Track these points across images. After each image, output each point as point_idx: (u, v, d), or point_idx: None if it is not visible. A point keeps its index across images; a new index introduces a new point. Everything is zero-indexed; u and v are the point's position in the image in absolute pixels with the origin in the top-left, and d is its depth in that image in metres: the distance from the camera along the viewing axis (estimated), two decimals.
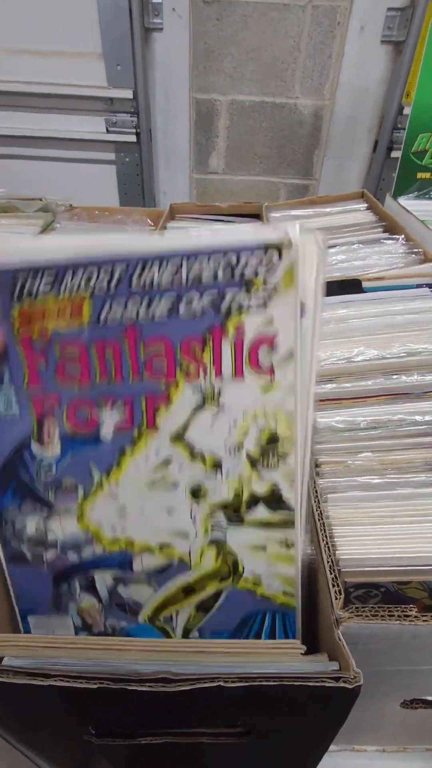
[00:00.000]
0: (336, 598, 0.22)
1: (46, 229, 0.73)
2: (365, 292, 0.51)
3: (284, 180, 1.33)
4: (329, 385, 0.37)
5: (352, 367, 0.39)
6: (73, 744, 0.28)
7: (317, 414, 0.35)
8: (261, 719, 0.23)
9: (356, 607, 0.22)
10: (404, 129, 1.16)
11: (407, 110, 1.14)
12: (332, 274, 0.55)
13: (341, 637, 0.21)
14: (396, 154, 1.19)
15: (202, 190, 1.36)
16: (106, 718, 0.25)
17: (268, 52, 1.13)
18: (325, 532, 0.25)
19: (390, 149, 1.18)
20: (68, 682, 0.20)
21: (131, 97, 1.13)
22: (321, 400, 0.37)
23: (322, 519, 0.26)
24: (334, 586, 0.23)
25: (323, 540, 0.25)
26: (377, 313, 0.46)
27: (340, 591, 0.23)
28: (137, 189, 1.29)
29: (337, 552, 0.25)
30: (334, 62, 1.13)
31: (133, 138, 1.19)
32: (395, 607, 0.21)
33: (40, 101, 1.15)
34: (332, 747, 0.39)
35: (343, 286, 0.51)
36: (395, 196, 0.79)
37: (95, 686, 0.20)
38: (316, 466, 0.31)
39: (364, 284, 0.51)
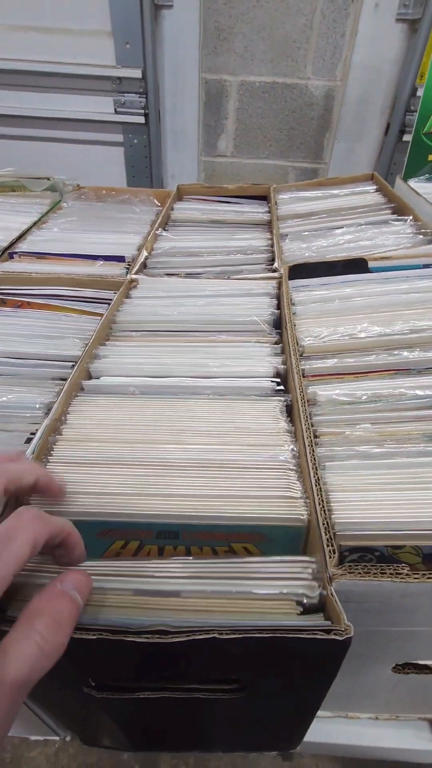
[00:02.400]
0: (330, 557, 0.23)
1: (53, 207, 0.73)
2: (371, 272, 0.50)
3: (293, 163, 1.31)
4: (332, 360, 0.38)
5: (355, 342, 0.39)
6: (75, 696, 0.29)
7: (318, 387, 0.35)
8: (254, 673, 0.24)
9: (349, 565, 0.22)
10: (417, 111, 1.14)
11: (421, 92, 1.11)
12: (338, 254, 0.55)
13: (333, 593, 0.22)
14: (409, 137, 1.16)
15: (210, 173, 1.35)
16: (105, 670, 0.26)
17: (279, 31, 1.11)
18: (321, 497, 0.26)
19: (402, 132, 1.16)
20: None
21: (140, 76, 1.11)
22: (322, 375, 0.37)
23: (319, 485, 0.26)
24: (328, 546, 0.23)
25: (319, 504, 0.25)
26: (382, 291, 0.46)
27: (333, 550, 0.23)
28: (145, 171, 1.28)
29: (333, 516, 0.25)
30: (347, 41, 1.10)
31: (141, 119, 1.18)
32: (387, 566, 0.22)
33: (47, 80, 1.14)
34: (326, 713, 0.40)
35: (348, 266, 0.51)
36: (405, 178, 0.77)
37: (94, 637, 0.21)
38: (315, 436, 0.31)
39: (371, 264, 0.51)
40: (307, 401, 0.34)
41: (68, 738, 0.39)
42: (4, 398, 0.37)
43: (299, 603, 0.23)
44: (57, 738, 0.39)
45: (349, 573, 0.22)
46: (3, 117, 1.20)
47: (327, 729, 0.39)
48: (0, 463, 0.22)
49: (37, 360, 0.43)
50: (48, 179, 0.78)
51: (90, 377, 0.41)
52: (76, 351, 0.43)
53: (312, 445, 0.29)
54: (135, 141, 1.23)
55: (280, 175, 1.33)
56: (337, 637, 0.20)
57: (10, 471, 0.22)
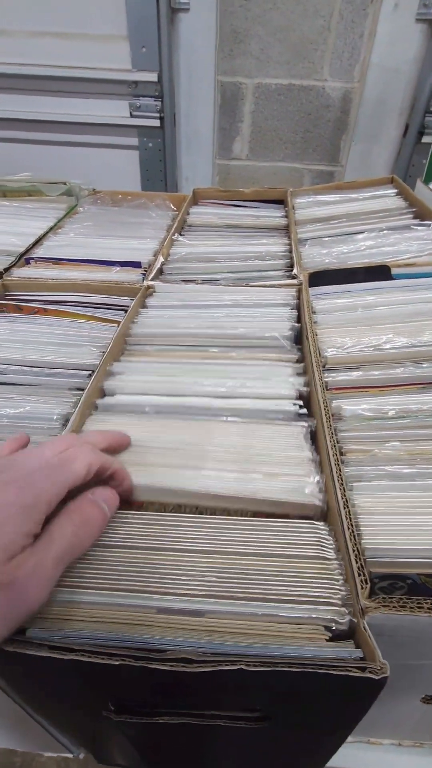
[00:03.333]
0: (362, 588, 0.22)
1: (69, 212, 0.73)
2: (394, 279, 0.49)
3: (309, 166, 1.30)
4: (356, 373, 0.36)
5: (380, 354, 0.38)
6: (91, 718, 0.28)
7: (343, 401, 0.34)
8: (281, 705, 0.23)
9: (383, 598, 0.21)
10: None
11: None
12: (359, 260, 0.53)
13: (367, 627, 0.20)
14: (428, 139, 1.14)
15: (224, 176, 1.34)
16: (125, 695, 0.25)
17: (296, 33, 1.10)
18: (350, 520, 0.25)
19: (421, 134, 1.14)
20: (90, 657, 0.20)
21: (156, 80, 1.11)
22: (347, 388, 0.36)
23: (347, 507, 0.25)
24: (359, 575, 0.22)
25: (348, 528, 0.24)
26: (407, 300, 0.44)
27: (366, 580, 0.22)
28: (159, 175, 1.28)
29: (363, 541, 0.24)
30: (366, 42, 1.08)
31: (156, 122, 1.17)
32: (425, 599, 0.21)
33: (63, 85, 1.14)
34: (347, 738, 0.38)
35: (371, 273, 0.49)
36: (427, 182, 0.76)
37: (117, 663, 0.20)
38: (341, 453, 0.30)
39: (394, 271, 0.49)
40: (332, 416, 0.32)
41: (81, 755, 0.39)
42: (21, 409, 0.36)
43: (327, 628, 0.22)
44: (71, 755, 0.38)
45: (384, 606, 0.21)
46: (20, 122, 1.21)
47: (347, 754, 0.38)
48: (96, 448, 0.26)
49: (53, 369, 0.42)
50: (64, 184, 0.78)
51: (104, 395, 0.40)
52: (92, 360, 0.43)
53: (339, 464, 0.28)
54: (150, 144, 1.23)
55: (296, 177, 1.32)
56: (373, 676, 0.19)
57: (103, 458, 0.25)
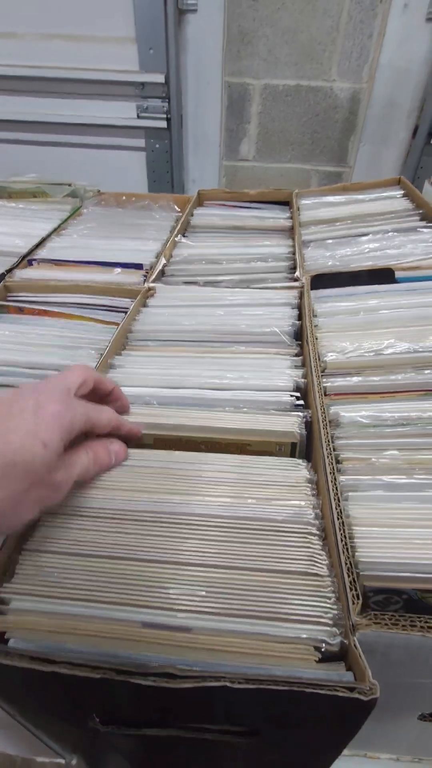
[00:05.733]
0: (353, 603, 0.21)
1: (73, 213, 0.73)
2: (398, 282, 0.48)
3: (316, 167, 1.29)
4: (355, 378, 0.35)
5: (380, 359, 0.37)
6: (80, 729, 0.28)
7: (341, 407, 0.33)
8: (268, 723, 0.22)
9: (375, 614, 0.20)
10: None
11: None
12: (363, 263, 0.52)
13: (357, 644, 0.20)
14: None
15: (231, 178, 1.34)
16: (109, 708, 0.24)
17: (304, 34, 1.09)
18: (343, 531, 0.24)
19: (430, 135, 1.12)
20: (71, 669, 0.20)
21: (163, 81, 1.11)
22: (345, 393, 0.35)
23: (341, 518, 0.24)
24: (351, 589, 0.21)
25: (341, 540, 0.23)
26: (410, 304, 0.43)
27: (357, 595, 0.21)
28: (166, 176, 1.27)
29: (357, 554, 0.23)
30: (375, 42, 1.07)
31: (163, 124, 1.17)
32: (418, 617, 0.20)
33: (71, 86, 1.15)
34: (344, 751, 0.38)
35: (374, 276, 0.48)
36: None
37: (98, 676, 0.20)
38: (337, 462, 0.29)
39: (398, 274, 0.48)
40: (329, 422, 0.32)
41: (74, 761, 0.38)
42: None
43: (317, 649, 0.21)
44: (62, 761, 0.38)
45: (375, 623, 0.20)
46: (27, 123, 1.22)
47: (343, 767, 0.37)
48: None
49: (53, 371, 0.42)
50: (69, 185, 0.78)
51: None
52: (90, 362, 0.42)
53: (334, 473, 0.27)
54: (157, 146, 1.23)
55: (303, 179, 1.31)
56: (361, 697, 0.18)
57: (98, 375, 0.31)
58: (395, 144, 1.20)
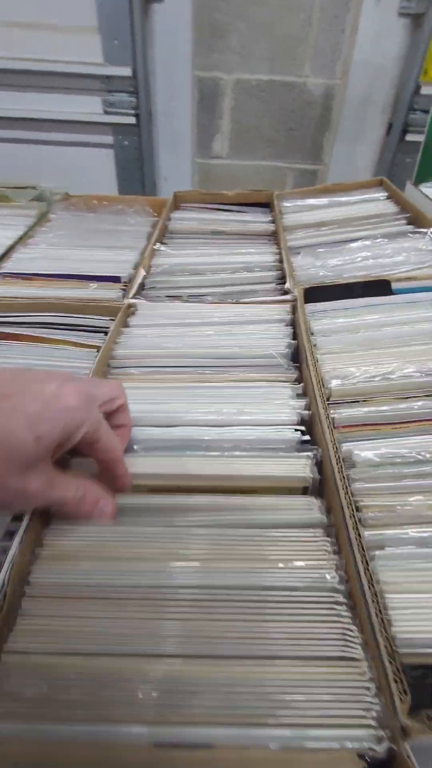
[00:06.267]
0: (400, 700, 0.18)
1: (40, 219, 0.67)
2: (394, 293, 0.46)
3: (292, 165, 1.26)
4: (364, 408, 0.33)
5: (389, 385, 0.34)
6: None
7: (354, 444, 0.30)
8: None
9: (429, 715, 0.17)
10: (421, 110, 1.10)
11: (425, 89, 1.07)
12: (356, 272, 0.50)
13: (410, 755, 0.17)
14: (412, 137, 1.12)
15: (204, 176, 1.29)
16: None
17: (277, 28, 1.05)
18: (378, 604, 0.21)
19: (405, 132, 1.11)
20: None
21: (130, 74, 1.05)
22: (355, 425, 0.32)
23: (373, 586, 0.22)
24: (396, 680, 0.19)
25: (376, 614, 0.21)
26: (411, 319, 0.41)
27: (405, 690, 0.18)
28: (136, 175, 1.22)
29: (393, 629, 0.20)
30: (348, 37, 1.05)
31: (132, 120, 1.12)
32: None
33: (30, 79, 1.07)
34: None
35: (369, 287, 0.46)
36: (416, 183, 0.73)
37: None
38: (357, 510, 0.26)
39: (393, 285, 0.46)
40: (342, 461, 0.29)
41: None
42: None
43: (362, 757, 0.18)
44: None
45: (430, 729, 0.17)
46: None
47: None
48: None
49: None
50: (34, 188, 0.73)
51: None
52: None
53: (357, 527, 0.24)
54: (125, 143, 1.17)
55: (278, 177, 1.28)
56: None
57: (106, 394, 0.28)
58: (370, 141, 1.19)
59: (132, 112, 1.11)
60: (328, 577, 0.23)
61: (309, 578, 0.23)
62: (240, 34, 1.05)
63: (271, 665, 0.20)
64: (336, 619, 0.21)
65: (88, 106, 1.12)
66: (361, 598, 0.22)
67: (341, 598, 0.22)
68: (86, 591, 0.23)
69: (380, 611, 0.21)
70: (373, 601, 0.21)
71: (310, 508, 0.27)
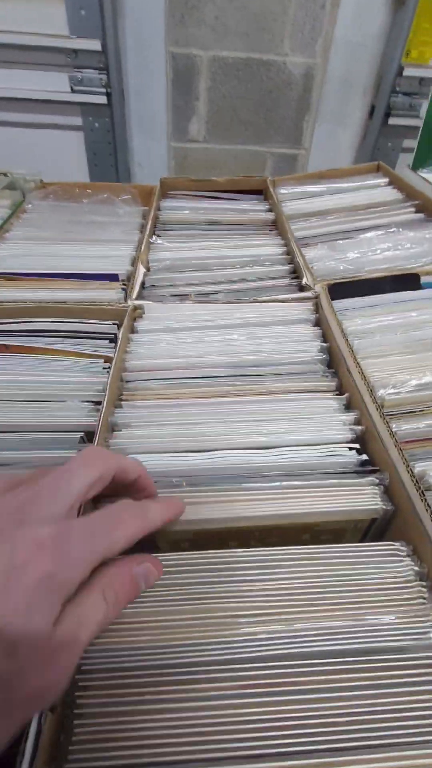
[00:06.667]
0: None
1: (16, 210, 0.60)
2: (423, 288, 0.43)
3: (271, 149, 1.22)
4: (424, 422, 0.30)
5: None
6: None
7: (424, 464, 0.27)
8: None
9: None
10: (403, 93, 1.08)
11: (408, 71, 1.04)
12: (377, 266, 0.47)
13: None
14: (394, 120, 1.10)
15: (181, 161, 1.22)
16: None
17: (254, 1, 0.99)
18: None
19: (388, 115, 1.09)
20: None
21: (99, 49, 0.97)
22: (418, 440, 0.29)
23: None
24: None
25: None
26: None
27: None
28: (109, 159, 1.14)
29: None
30: (329, 14, 1.00)
31: (102, 99, 1.03)
32: None
33: None
34: None
35: (397, 282, 0.43)
36: (415, 168, 0.71)
37: None
38: None
39: (423, 279, 0.43)
40: (421, 486, 0.26)
41: None
42: None
43: None
44: None
45: None
46: None
47: None
48: (142, 503, 0.22)
49: (30, 436, 0.32)
50: (5, 175, 0.65)
51: None
52: (82, 418, 0.33)
53: None
54: (96, 124, 1.08)
55: (258, 162, 1.23)
56: None
57: (121, 461, 0.22)
58: (351, 124, 1.16)
59: (102, 90, 1.02)
60: (425, 628, 0.20)
61: (406, 633, 0.20)
62: (214, 5, 0.98)
63: (396, 759, 0.17)
64: None
65: (53, 84, 1.02)
66: None
67: None
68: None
69: None
70: None
71: (397, 554, 0.24)
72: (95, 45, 0.96)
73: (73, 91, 1.02)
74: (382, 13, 0.99)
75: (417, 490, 0.25)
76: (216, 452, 0.29)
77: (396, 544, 0.24)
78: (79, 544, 0.17)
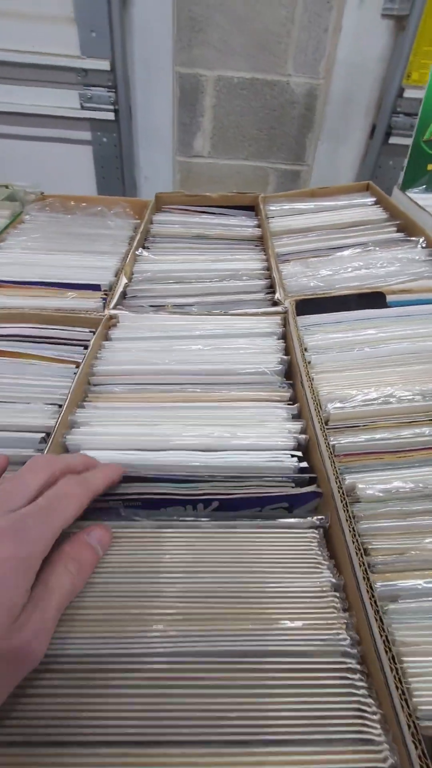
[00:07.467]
0: None
1: (13, 221, 0.63)
2: (389, 306, 0.44)
3: (274, 165, 1.24)
4: (363, 436, 0.31)
5: (390, 409, 0.32)
6: None
7: (356, 476, 0.28)
8: None
9: None
10: (404, 113, 1.09)
11: (408, 92, 1.06)
12: (348, 284, 0.48)
13: None
14: (395, 140, 1.12)
15: (186, 175, 1.26)
16: None
17: (258, 23, 1.03)
18: (395, 669, 0.19)
19: (388, 135, 1.11)
20: None
21: (108, 68, 1.01)
22: (355, 454, 0.30)
23: (389, 650, 0.19)
24: (423, 765, 0.16)
25: (396, 684, 0.18)
26: (408, 335, 0.39)
27: None
28: (116, 172, 1.18)
29: (414, 700, 0.18)
30: (331, 36, 1.03)
31: (111, 115, 1.07)
32: None
33: (1, 70, 1.02)
34: None
35: (363, 300, 0.44)
36: (403, 189, 0.72)
37: None
38: (365, 553, 0.24)
39: (388, 298, 0.44)
40: (346, 495, 0.27)
41: None
42: None
43: None
44: None
45: None
46: None
47: None
48: (82, 474, 0.25)
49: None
50: (6, 187, 0.68)
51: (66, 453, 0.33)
52: (44, 420, 0.35)
53: (368, 578, 0.22)
54: (104, 139, 1.12)
55: (261, 177, 1.26)
56: None
57: (69, 461, 0.25)
58: (353, 143, 1.18)
59: (111, 107, 1.07)
60: (338, 639, 0.21)
61: (318, 640, 0.21)
62: (219, 28, 1.02)
63: (280, 754, 0.18)
64: (350, 690, 0.19)
65: (63, 101, 1.07)
66: (376, 662, 0.19)
67: (354, 664, 0.20)
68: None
69: (400, 681, 0.19)
70: (391, 670, 0.19)
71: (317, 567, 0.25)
72: (104, 65, 1.01)
73: (82, 107, 1.07)
74: (384, 36, 1.02)
75: (342, 503, 0.26)
76: (165, 452, 0.31)
77: (320, 555, 0.25)
78: (35, 524, 0.20)
